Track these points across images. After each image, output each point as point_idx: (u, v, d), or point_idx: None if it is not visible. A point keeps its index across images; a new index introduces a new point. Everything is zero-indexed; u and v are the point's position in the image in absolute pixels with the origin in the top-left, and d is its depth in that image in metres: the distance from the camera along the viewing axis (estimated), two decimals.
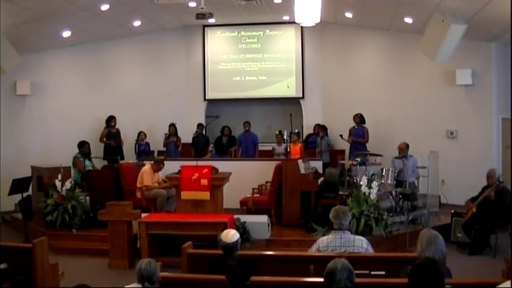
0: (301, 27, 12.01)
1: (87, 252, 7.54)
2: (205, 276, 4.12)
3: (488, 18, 8.09)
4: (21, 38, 9.25)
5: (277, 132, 11.54)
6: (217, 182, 7.57)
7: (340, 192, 8.22)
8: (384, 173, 8.32)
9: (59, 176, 8.26)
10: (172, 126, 11.42)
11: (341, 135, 11.07)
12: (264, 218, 7.70)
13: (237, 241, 4.39)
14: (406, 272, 3.78)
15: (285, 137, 11.27)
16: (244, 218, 7.63)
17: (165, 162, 9.06)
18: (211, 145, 11.90)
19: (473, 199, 7.70)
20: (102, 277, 6.54)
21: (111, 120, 11.07)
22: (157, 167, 8.83)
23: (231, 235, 4.39)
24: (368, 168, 8.92)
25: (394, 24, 10.67)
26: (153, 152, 11.49)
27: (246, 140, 11.51)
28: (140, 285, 3.53)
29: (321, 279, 3.33)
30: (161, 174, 8.95)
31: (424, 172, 8.60)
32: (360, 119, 10.83)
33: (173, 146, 11.41)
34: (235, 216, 7.38)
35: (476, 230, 7.35)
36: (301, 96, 12.89)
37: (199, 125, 11.96)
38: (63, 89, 11.20)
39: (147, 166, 8.76)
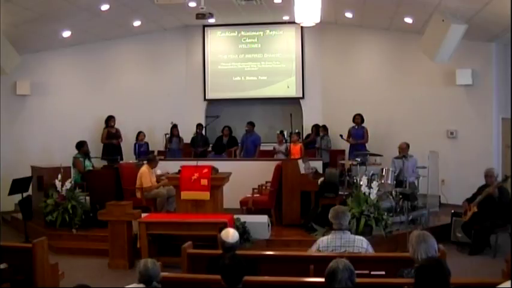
0: (301, 27, 12.01)
1: (87, 252, 7.53)
2: (205, 276, 4.12)
3: (488, 18, 8.09)
4: (21, 38, 9.25)
5: (278, 132, 11.55)
6: (217, 182, 7.56)
7: (340, 192, 8.23)
8: (383, 173, 8.32)
9: (59, 176, 8.26)
10: (175, 127, 11.41)
11: (341, 135, 11.08)
12: (264, 218, 7.70)
13: (237, 240, 4.41)
14: (402, 275, 3.80)
15: (285, 136, 11.30)
16: (244, 218, 7.62)
17: (166, 162, 9.05)
18: (211, 145, 11.89)
19: (468, 200, 7.67)
20: (102, 277, 6.54)
21: (110, 120, 11.06)
22: (154, 164, 8.84)
23: (231, 234, 4.41)
24: (368, 168, 8.93)
25: (394, 24, 10.67)
26: (152, 152, 11.49)
27: (247, 140, 11.51)
28: (140, 285, 3.53)
29: (321, 279, 3.33)
30: (158, 171, 8.95)
31: (424, 172, 8.61)
32: (360, 119, 10.84)
33: (177, 147, 11.41)
34: (235, 216, 7.37)
35: (476, 230, 7.34)
36: (301, 96, 12.89)
37: (199, 125, 11.96)
38: (63, 89, 11.20)
39: (144, 167, 8.74)
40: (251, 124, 11.59)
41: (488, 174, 7.52)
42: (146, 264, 3.55)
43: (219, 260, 4.28)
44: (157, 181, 8.80)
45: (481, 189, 7.56)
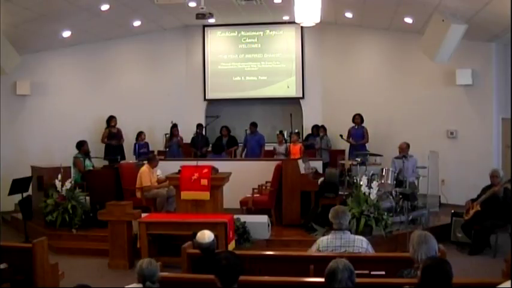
0: (301, 27, 12.01)
1: (87, 252, 7.54)
2: (205, 277, 4.11)
3: (488, 18, 8.09)
4: (21, 38, 9.25)
5: (278, 132, 11.55)
6: (217, 182, 7.56)
7: (340, 192, 8.23)
8: (383, 173, 8.32)
9: (59, 176, 8.26)
10: (175, 127, 11.41)
11: (341, 135, 11.08)
12: (264, 218, 7.70)
13: (213, 240, 4.47)
14: (402, 275, 3.80)
15: (285, 136, 11.30)
16: (244, 218, 7.63)
17: (166, 162, 9.04)
18: (211, 145, 11.89)
19: (473, 201, 7.67)
20: (102, 277, 6.54)
21: (111, 120, 11.05)
22: (154, 164, 8.84)
23: (207, 236, 4.47)
24: (368, 168, 8.93)
25: (394, 24, 10.67)
26: (152, 151, 11.49)
27: (251, 140, 11.52)
28: (140, 285, 3.54)
29: (321, 279, 3.33)
30: (158, 172, 8.95)
31: (424, 172, 8.61)
32: (360, 119, 10.84)
33: (176, 146, 11.42)
34: (235, 216, 7.37)
35: (476, 230, 7.35)
36: (301, 96, 12.88)
37: (199, 126, 11.96)
38: (63, 88, 11.20)
39: (145, 166, 8.76)
40: (254, 125, 11.58)
41: (494, 175, 7.50)
42: (141, 264, 3.56)
43: (200, 262, 4.31)
44: (158, 182, 8.79)
45: (485, 190, 7.56)
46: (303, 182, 8.43)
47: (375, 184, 7.41)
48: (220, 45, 13.23)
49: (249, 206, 8.48)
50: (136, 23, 11.19)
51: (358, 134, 10.86)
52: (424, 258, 3.52)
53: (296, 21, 8.06)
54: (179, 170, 7.74)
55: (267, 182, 8.93)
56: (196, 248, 4.47)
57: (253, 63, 13.08)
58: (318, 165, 9.85)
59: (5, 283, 4.82)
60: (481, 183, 7.81)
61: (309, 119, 12.62)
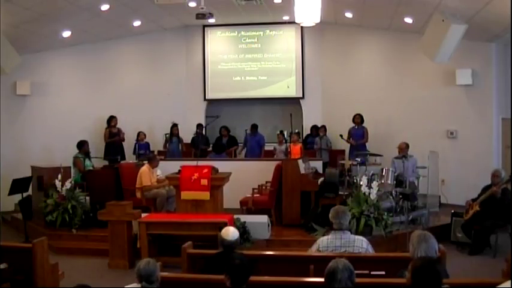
0: (301, 27, 12.02)
1: (87, 252, 7.54)
2: (205, 276, 4.12)
3: (488, 18, 8.09)
4: (21, 38, 9.26)
5: (278, 132, 11.55)
6: (217, 182, 7.56)
7: (340, 192, 8.23)
8: (383, 173, 8.31)
9: (59, 176, 8.26)
10: (175, 126, 11.41)
11: (341, 136, 11.08)
12: (264, 218, 7.70)
13: (237, 238, 4.43)
14: (402, 275, 3.80)
15: (285, 136, 11.30)
16: (244, 218, 7.62)
17: (166, 162, 9.03)
18: (211, 145, 11.90)
19: (473, 200, 7.67)
20: (102, 277, 6.54)
21: (111, 120, 11.07)
22: (155, 164, 8.85)
23: (231, 233, 4.43)
24: (368, 168, 8.93)
25: (394, 24, 10.67)
26: (153, 151, 11.49)
27: (251, 140, 11.53)
28: (139, 285, 3.53)
29: (321, 279, 3.34)
30: (158, 172, 8.95)
31: (424, 172, 8.61)
32: (360, 119, 10.84)
33: (176, 146, 11.42)
34: (235, 216, 7.37)
35: (476, 230, 7.35)
36: (301, 96, 12.89)
37: (199, 126, 11.97)
38: (64, 89, 11.21)
39: (145, 166, 8.76)
40: (254, 127, 11.58)
41: (496, 174, 7.49)
42: (140, 264, 3.56)
43: (217, 259, 4.30)
44: (158, 182, 8.79)
45: (485, 190, 7.56)
46: (303, 182, 8.43)
47: (375, 184, 7.41)
48: (220, 45, 13.24)
49: (249, 206, 8.48)
50: (137, 23, 11.19)
51: (358, 134, 10.86)
52: (415, 258, 3.52)
53: (296, 21, 8.06)
54: (179, 170, 7.75)
55: (267, 182, 8.93)
56: (221, 245, 4.45)
57: (253, 63, 13.08)
58: (318, 165, 9.85)
59: (5, 283, 4.82)
60: (481, 183, 7.81)
61: (309, 119, 12.62)
